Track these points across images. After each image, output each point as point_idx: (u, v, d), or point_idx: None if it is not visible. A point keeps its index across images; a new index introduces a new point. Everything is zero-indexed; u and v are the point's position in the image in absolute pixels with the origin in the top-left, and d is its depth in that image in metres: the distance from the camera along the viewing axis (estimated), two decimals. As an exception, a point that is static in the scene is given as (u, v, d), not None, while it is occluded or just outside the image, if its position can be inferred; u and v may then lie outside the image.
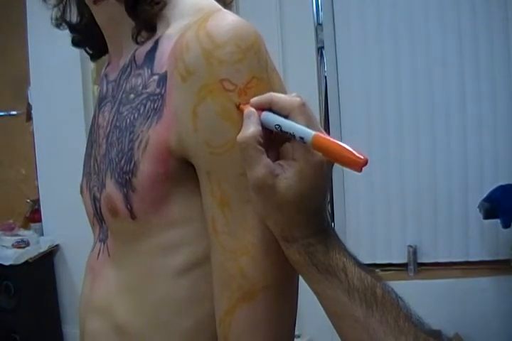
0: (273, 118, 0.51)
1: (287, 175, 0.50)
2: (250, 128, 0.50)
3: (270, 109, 0.52)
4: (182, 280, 0.60)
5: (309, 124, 0.50)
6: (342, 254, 0.52)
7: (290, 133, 0.50)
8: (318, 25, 2.68)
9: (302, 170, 0.50)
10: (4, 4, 2.87)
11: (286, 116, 0.51)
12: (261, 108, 0.52)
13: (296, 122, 0.50)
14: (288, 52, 2.58)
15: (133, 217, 0.60)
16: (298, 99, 0.52)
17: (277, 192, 0.50)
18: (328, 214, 0.55)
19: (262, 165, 0.50)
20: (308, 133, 0.49)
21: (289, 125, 0.50)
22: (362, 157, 0.46)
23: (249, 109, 0.52)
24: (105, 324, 0.64)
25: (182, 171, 0.58)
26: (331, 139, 0.48)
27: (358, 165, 0.46)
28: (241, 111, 0.53)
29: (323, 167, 0.50)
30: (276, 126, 0.51)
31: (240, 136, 0.51)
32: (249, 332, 0.55)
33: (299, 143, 0.50)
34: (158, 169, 0.57)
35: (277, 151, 0.53)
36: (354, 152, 0.46)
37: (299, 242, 0.52)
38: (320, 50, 2.69)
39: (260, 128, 0.51)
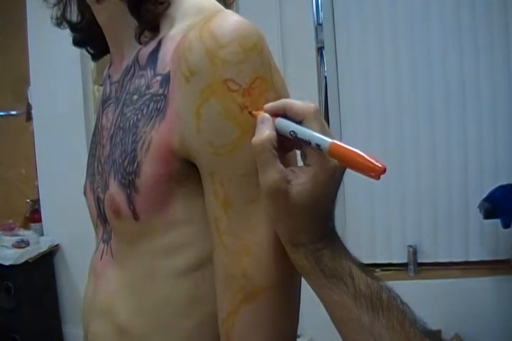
0: (288, 125, 0.51)
1: (300, 181, 0.50)
2: (266, 132, 0.50)
3: (283, 115, 0.52)
4: (184, 280, 0.60)
5: (323, 130, 0.50)
6: (348, 259, 0.52)
7: (306, 140, 0.50)
8: (318, 25, 2.68)
9: (316, 176, 0.50)
10: (4, 4, 2.87)
11: (299, 122, 0.51)
12: (274, 114, 0.52)
13: (311, 128, 0.50)
14: (288, 52, 2.58)
15: (136, 217, 0.60)
16: (312, 105, 0.52)
17: (290, 197, 0.50)
18: (334, 217, 0.55)
19: (276, 169, 0.50)
20: (325, 141, 0.48)
21: (304, 132, 0.50)
22: (380, 165, 0.46)
23: (262, 115, 0.52)
24: (108, 325, 0.64)
25: (185, 172, 0.58)
26: (349, 147, 0.48)
27: (376, 173, 0.46)
28: (253, 117, 0.53)
29: (336, 173, 0.50)
30: (291, 133, 0.50)
31: (256, 140, 0.50)
32: (251, 333, 0.55)
33: (313, 149, 0.50)
34: (161, 170, 0.57)
35: (283, 157, 0.53)
36: (372, 160, 0.46)
37: (306, 247, 0.51)
38: (320, 50, 2.69)
39: (275, 132, 0.51)
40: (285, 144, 0.52)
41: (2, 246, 2.65)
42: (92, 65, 2.70)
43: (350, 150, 0.47)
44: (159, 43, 0.61)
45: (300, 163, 0.54)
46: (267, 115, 0.52)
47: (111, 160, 0.63)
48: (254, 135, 0.51)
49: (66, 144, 2.67)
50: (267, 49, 0.56)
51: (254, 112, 0.53)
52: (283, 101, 0.53)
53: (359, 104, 2.68)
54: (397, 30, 2.61)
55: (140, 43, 0.63)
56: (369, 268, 0.53)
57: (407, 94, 2.62)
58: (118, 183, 0.60)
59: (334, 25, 2.68)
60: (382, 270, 2.63)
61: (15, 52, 2.91)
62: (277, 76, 0.57)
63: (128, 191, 0.59)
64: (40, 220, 2.90)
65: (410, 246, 2.63)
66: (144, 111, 0.59)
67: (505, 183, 2.36)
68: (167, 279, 0.60)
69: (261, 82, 0.54)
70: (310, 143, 0.49)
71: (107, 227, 0.68)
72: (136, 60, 0.64)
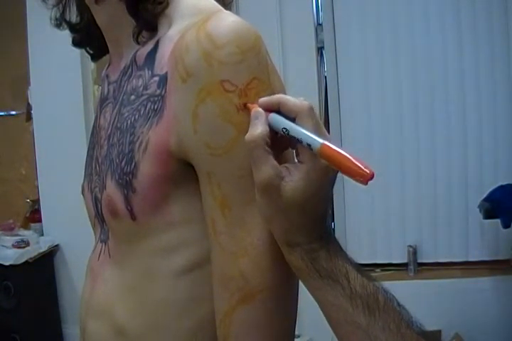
0: (281, 121, 0.51)
1: (293, 178, 0.50)
2: (259, 129, 0.50)
3: (277, 111, 0.52)
4: (182, 281, 0.60)
5: (316, 129, 0.50)
6: (344, 260, 0.51)
7: (297, 138, 0.49)
8: (318, 25, 2.68)
9: (309, 173, 0.49)
10: (4, 4, 2.87)
11: (293, 119, 0.51)
12: (269, 109, 0.52)
13: (304, 125, 0.50)
14: (288, 52, 2.58)
15: (133, 217, 0.60)
16: (306, 102, 0.51)
17: (283, 194, 0.49)
18: (330, 219, 0.54)
19: (269, 166, 0.49)
20: (316, 142, 0.48)
21: (296, 130, 0.50)
22: (368, 171, 0.46)
23: (257, 109, 0.52)
24: (105, 325, 0.64)
25: (182, 172, 0.57)
26: (339, 150, 0.47)
27: (364, 178, 0.46)
28: (248, 110, 0.53)
29: (329, 171, 0.50)
30: (284, 130, 0.50)
31: (249, 136, 0.50)
32: (248, 334, 0.55)
33: (304, 147, 0.49)
34: (158, 170, 0.57)
35: (279, 155, 0.52)
36: (360, 165, 0.46)
37: (302, 247, 0.51)
38: (320, 50, 2.69)
39: (268, 129, 0.51)
40: (282, 141, 0.52)
41: (2, 246, 2.65)
42: (92, 64, 2.70)
43: (339, 153, 0.47)
44: (157, 44, 0.61)
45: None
46: (260, 110, 0.52)
47: (108, 160, 0.63)
48: None
49: (66, 144, 2.67)
50: (265, 50, 0.56)
51: (249, 104, 0.53)
52: (278, 96, 0.53)
53: (359, 104, 2.68)
54: (397, 30, 2.61)
55: (138, 43, 0.63)
56: (367, 268, 0.52)
57: (407, 94, 2.62)
58: (115, 183, 0.60)
59: (334, 25, 2.68)
60: (382, 270, 2.63)
61: (15, 52, 2.91)
62: (275, 76, 0.57)
63: (125, 191, 0.59)
64: (40, 220, 2.90)
65: (410, 246, 2.63)
66: (142, 112, 0.59)
67: (505, 183, 2.36)
68: (165, 279, 0.60)
69: (257, 82, 0.54)
70: (302, 142, 0.49)
71: (104, 227, 0.68)
72: (134, 60, 0.64)
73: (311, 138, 0.49)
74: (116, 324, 0.63)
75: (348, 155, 0.47)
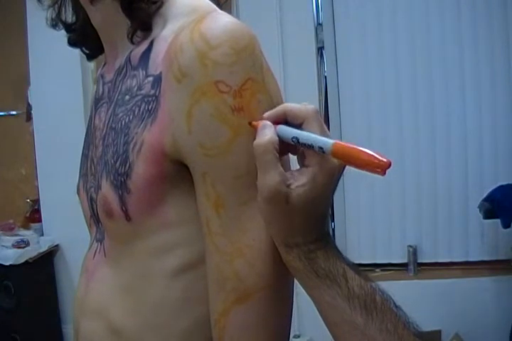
0: (289, 131, 0.51)
1: (299, 183, 0.50)
2: (268, 135, 0.50)
3: (284, 123, 0.52)
4: (177, 281, 0.60)
5: (322, 131, 0.50)
6: (341, 261, 0.51)
7: (308, 144, 0.50)
8: (318, 25, 2.68)
9: (316, 177, 0.50)
10: (4, 5, 2.87)
11: (299, 125, 0.51)
12: (275, 121, 0.52)
13: (312, 130, 0.50)
14: (288, 52, 2.58)
15: (128, 218, 0.60)
16: (311, 106, 0.52)
17: (289, 201, 0.50)
18: (329, 219, 0.54)
19: (278, 172, 0.50)
20: (328, 142, 0.48)
21: (307, 136, 0.50)
22: (385, 160, 0.45)
23: (264, 122, 0.52)
24: (100, 325, 0.64)
25: (177, 173, 0.57)
26: (352, 145, 0.47)
27: (382, 168, 0.45)
28: (254, 128, 0.52)
29: (335, 173, 0.51)
30: (293, 139, 0.50)
31: (258, 141, 0.50)
32: (243, 334, 0.55)
33: (314, 151, 0.50)
34: (153, 171, 0.57)
35: (282, 162, 0.52)
36: (376, 156, 0.46)
37: (300, 248, 0.51)
38: (320, 50, 2.69)
39: (277, 137, 0.51)
40: (280, 149, 0.52)
41: (2, 246, 2.65)
42: (92, 65, 2.70)
43: (353, 148, 0.47)
44: (151, 44, 0.61)
45: (293, 168, 0.54)
46: (268, 122, 0.52)
47: (103, 160, 0.63)
48: (246, 136, 0.52)
49: (66, 144, 2.67)
50: (259, 50, 0.56)
51: (254, 123, 0.53)
52: (282, 106, 0.53)
53: (359, 104, 2.68)
54: (397, 30, 2.61)
55: (132, 43, 0.63)
56: (367, 268, 0.52)
57: (407, 94, 2.62)
58: (110, 184, 0.60)
59: (334, 25, 2.68)
60: (382, 270, 2.63)
61: (15, 52, 2.91)
62: (269, 77, 0.57)
63: (120, 192, 0.59)
64: (40, 220, 2.90)
65: (410, 246, 2.63)
66: (136, 112, 0.59)
67: (505, 183, 2.36)
68: (160, 280, 0.60)
69: (252, 83, 0.54)
70: (313, 147, 0.49)
71: (100, 227, 0.68)
72: (129, 60, 0.64)
73: (323, 140, 0.49)
74: (111, 324, 0.63)
75: (362, 148, 0.47)
